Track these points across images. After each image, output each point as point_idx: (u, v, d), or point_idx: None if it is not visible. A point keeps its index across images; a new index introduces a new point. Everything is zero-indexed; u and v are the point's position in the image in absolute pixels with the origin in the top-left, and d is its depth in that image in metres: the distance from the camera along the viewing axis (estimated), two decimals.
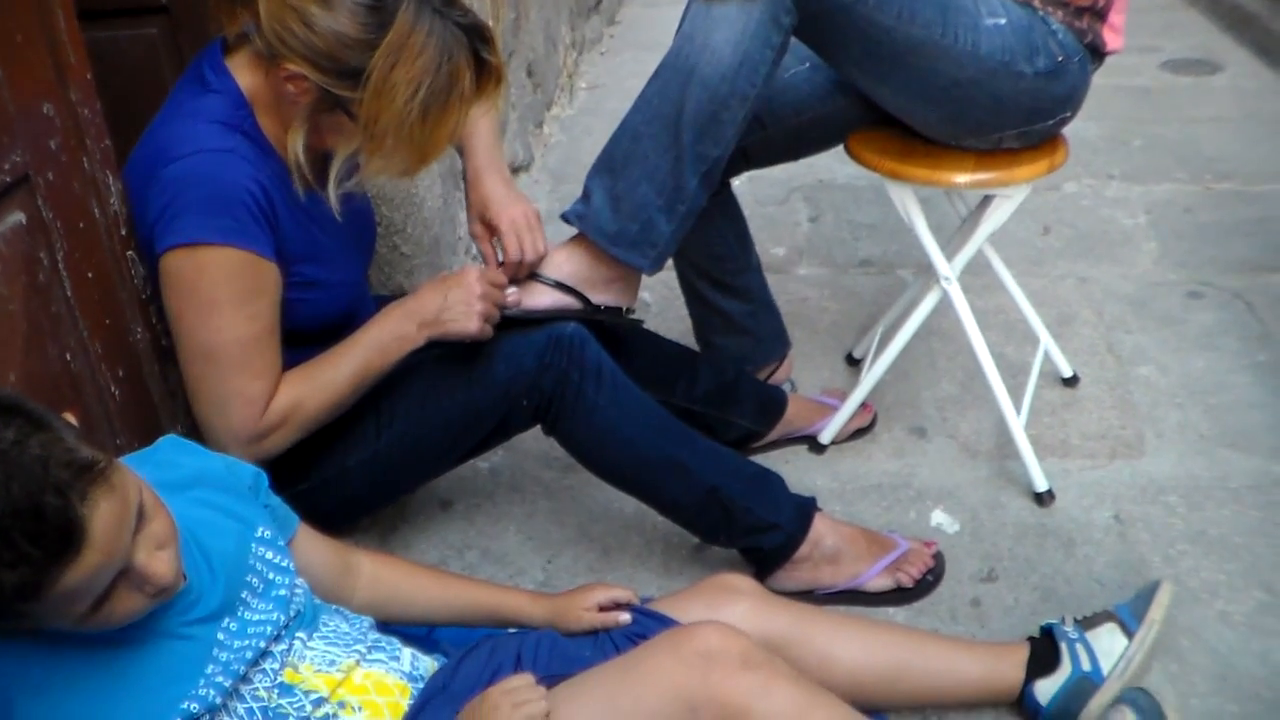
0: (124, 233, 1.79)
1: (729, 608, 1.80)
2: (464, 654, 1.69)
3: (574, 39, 4.95)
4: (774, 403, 2.57)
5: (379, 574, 1.79)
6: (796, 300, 3.20)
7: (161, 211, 1.75)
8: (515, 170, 3.87)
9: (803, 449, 2.63)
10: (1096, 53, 2.22)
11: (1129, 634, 1.93)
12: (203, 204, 1.75)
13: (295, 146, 1.83)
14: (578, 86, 4.89)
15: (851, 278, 3.34)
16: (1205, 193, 3.77)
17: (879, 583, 2.22)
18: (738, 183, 2.54)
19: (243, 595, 1.47)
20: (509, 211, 2.14)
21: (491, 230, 2.16)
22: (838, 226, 3.62)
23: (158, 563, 1.28)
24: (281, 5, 1.72)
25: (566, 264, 2.10)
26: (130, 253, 1.80)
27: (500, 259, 2.13)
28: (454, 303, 1.97)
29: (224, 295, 1.78)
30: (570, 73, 4.84)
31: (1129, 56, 5.13)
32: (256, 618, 1.47)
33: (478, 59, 1.80)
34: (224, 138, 1.79)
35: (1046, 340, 2.75)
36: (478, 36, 1.79)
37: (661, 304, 3.13)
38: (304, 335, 1.96)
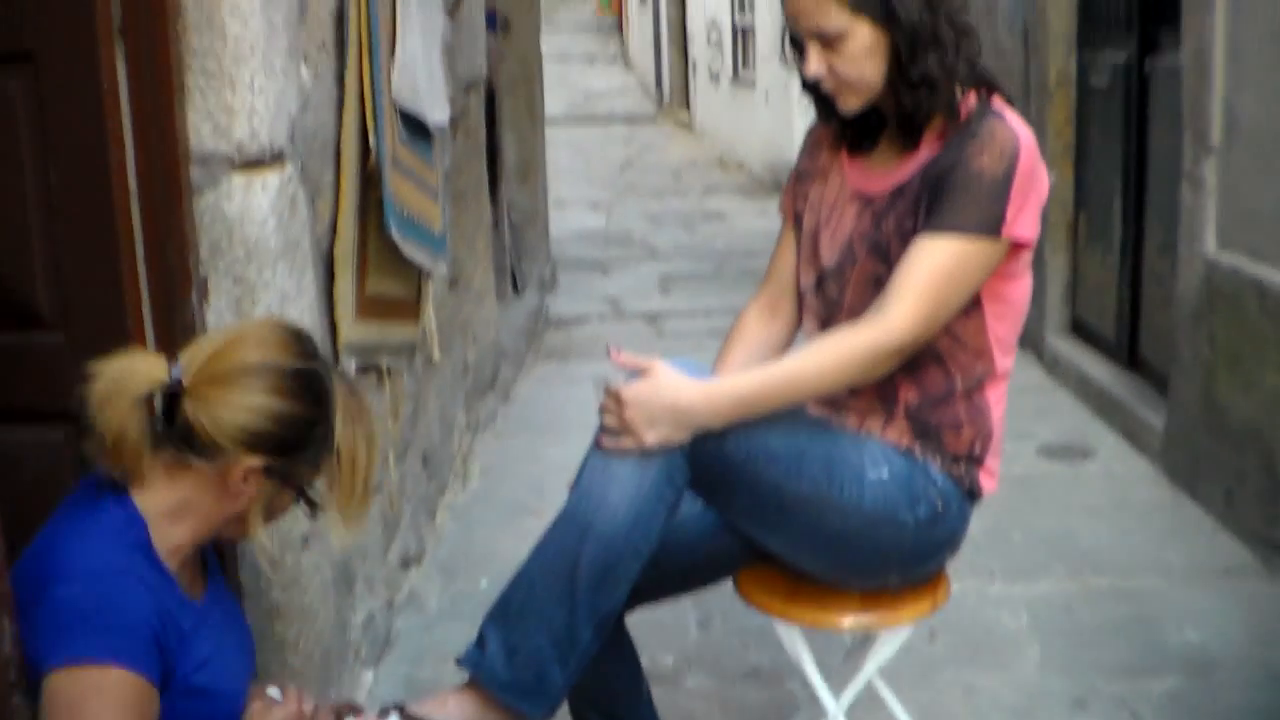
0: (13, 678, 1.76)
1: None
2: None
3: (469, 421, 5.04)
4: None
5: None
6: (685, 716, 3.19)
7: (52, 632, 1.72)
8: (406, 563, 3.87)
9: None
10: (974, 495, 2.33)
11: None
12: (94, 627, 1.73)
13: (256, 533, 1.96)
14: (471, 470, 4.95)
15: (740, 691, 3.34)
16: (1084, 590, 3.87)
17: None
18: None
19: None
20: None
21: None
22: (727, 633, 3.64)
23: None
24: (224, 406, 1.82)
25: (458, 710, 2.10)
26: (16, 699, 1.77)
27: None
28: None
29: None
30: (464, 456, 4.90)
31: (1006, 443, 5.31)
32: None
33: None
34: (120, 556, 1.80)
35: None
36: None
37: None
38: None
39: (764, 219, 11.16)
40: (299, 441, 1.90)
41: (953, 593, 3.80)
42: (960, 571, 3.91)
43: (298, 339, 1.97)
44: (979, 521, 4.30)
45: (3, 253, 2.34)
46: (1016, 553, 4.17)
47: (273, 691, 2.09)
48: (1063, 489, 4.77)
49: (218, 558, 2.20)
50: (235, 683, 2.06)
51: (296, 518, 2.68)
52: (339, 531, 2.02)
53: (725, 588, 3.73)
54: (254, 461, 1.86)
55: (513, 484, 4.77)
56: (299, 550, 2.72)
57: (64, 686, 1.73)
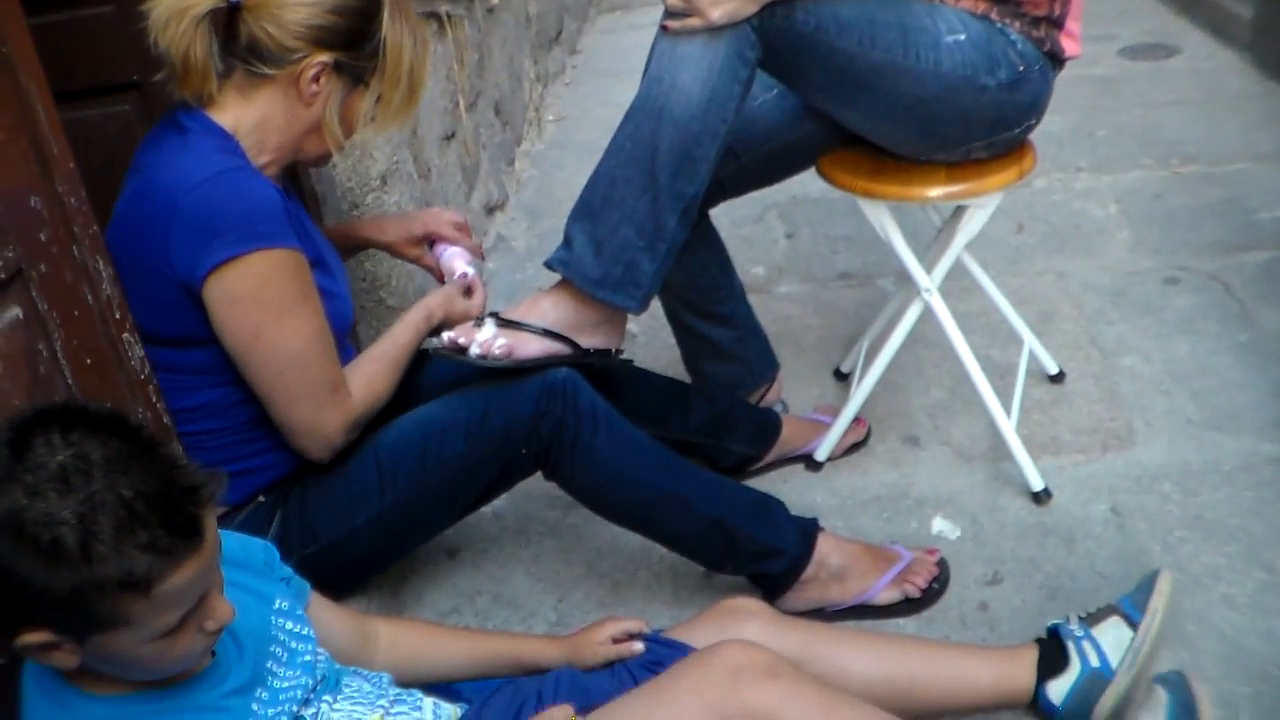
0: (118, 316, 1.80)
1: (740, 630, 1.82)
2: (485, 699, 1.71)
3: (538, 72, 4.98)
4: (769, 426, 2.59)
5: (397, 638, 1.81)
6: (780, 319, 3.22)
7: (197, 238, 1.79)
8: (491, 209, 3.89)
9: (799, 467, 2.65)
10: (1056, 59, 2.25)
11: (1133, 625, 1.94)
12: (240, 216, 1.80)
13: (337, 143, 2.00)
14: (545, 120, 4.92)
15: (833, 292, 3.37)
16: (1173, 177, 3.81)
17: (887, 595, 2.24)
18: (714, 209, 2.57)
19: (269, 666, 1.49)
20: (421, 218, 2.35)
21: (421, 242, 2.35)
22: (815, 241, 3.65)
23: (224, 602, 1.34)
24: (283, 8, 1.87)
25: (553, 311, 2.13)
26: (126, 335, 1.82)
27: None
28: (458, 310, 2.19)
29: (292, 295, 1.87)
30: (537, 106, 4.86)
31: (1087, 45, 5.08)
32: (286, 684, 1.49)
33: None
34: (229, 158, 1.86)
35: (1030, 340, 2.78)
36: None
37: (648, 334, 3.15)
38: None
39: None
40: (360, 33, 1.92)
41: (1038, 187, 3.81)
42: (1045, 167, 3.89)
43: None
44: (1061, 120, 4.26)
45: None
46: (1102, 147, 4.10)
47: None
48: (1148, 86, 4.65)
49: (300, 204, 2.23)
50: (345, 286, 2.13)
51: (374, 157, 2.70)
52: (376, 127, 2.04)
53: (811, 201, 3.79)
54: (323, 57, 1.89)
55: (588, 128, 4.73)
56: (379, 190, 2.74)
57: (233, 282, 1.82)
